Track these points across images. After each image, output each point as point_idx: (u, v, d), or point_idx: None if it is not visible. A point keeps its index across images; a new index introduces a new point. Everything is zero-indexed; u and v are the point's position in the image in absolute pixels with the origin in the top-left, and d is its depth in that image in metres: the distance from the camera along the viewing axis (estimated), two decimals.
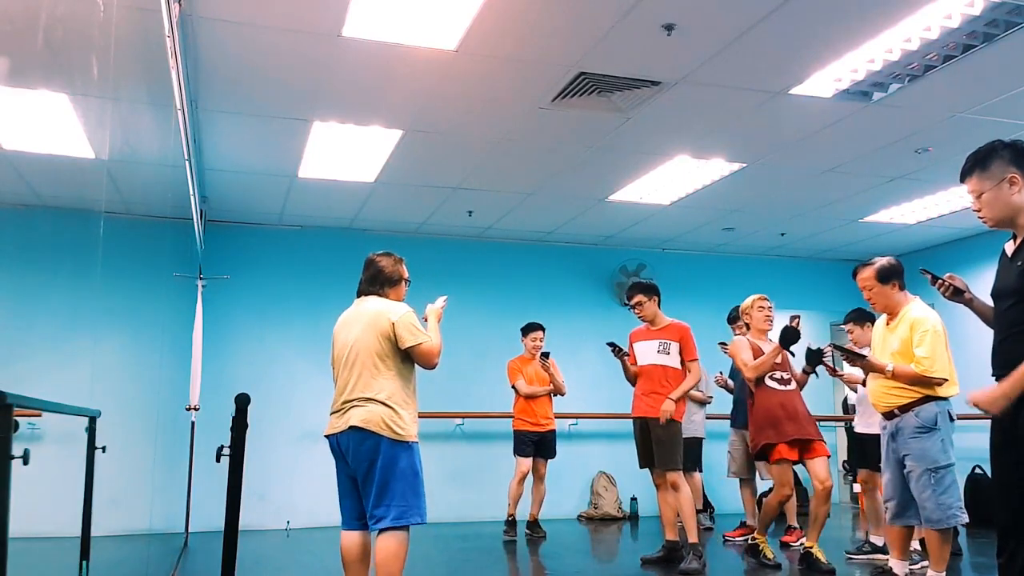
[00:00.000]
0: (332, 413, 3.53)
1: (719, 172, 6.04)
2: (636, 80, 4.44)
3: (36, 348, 6.43)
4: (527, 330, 6.59)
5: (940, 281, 2.99)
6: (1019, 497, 2.69)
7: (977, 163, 2.70)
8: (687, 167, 5.90)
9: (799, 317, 5.02)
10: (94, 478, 3.97)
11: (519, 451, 6.45)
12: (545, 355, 6.31)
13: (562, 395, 6.54)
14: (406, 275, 3.75)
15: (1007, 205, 2.63)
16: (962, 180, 2.78)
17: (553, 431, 6.50)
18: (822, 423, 8.91)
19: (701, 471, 6.85)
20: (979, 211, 2.72)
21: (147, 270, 6.48)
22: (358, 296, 3.70)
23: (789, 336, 4.88)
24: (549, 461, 6.47)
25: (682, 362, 5.17)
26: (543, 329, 6.58)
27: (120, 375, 6.46)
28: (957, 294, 2.96)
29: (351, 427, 3.37)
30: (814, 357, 4.84)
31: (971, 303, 2.97)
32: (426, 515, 3.42)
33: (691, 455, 6.49)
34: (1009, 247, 2.71)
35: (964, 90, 4.56)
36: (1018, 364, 2.54)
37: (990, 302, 2.83)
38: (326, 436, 3.52)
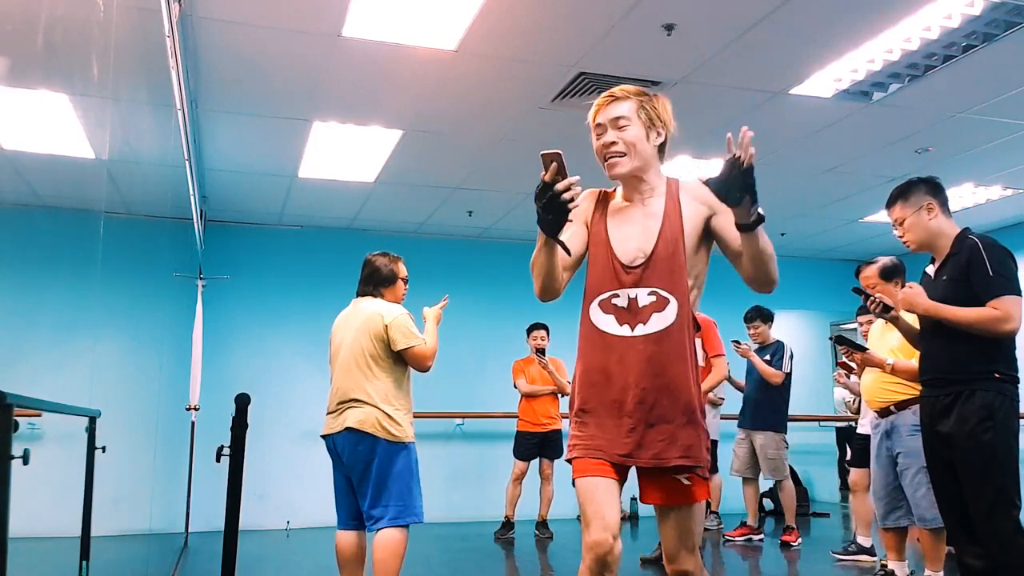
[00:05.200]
0: (328, 413, 3.55)
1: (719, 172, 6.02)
2: (636, 80, 4.44)
3: (36, 348, 6.43)
4: (529, 330, 6.55)
5: (872, 299, 3.30)
6: (960, 501, 2.85)
7: (900, 194, 3.19)
8: (687, 167, 5.90)
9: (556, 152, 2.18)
10: (94, 478, 3.97)
11: (516, 453, 6.44)
12: (540, 352, 6.28)
13: (565, 395, 6.50)
14: (403, 274, 3.71)
15: (926, 229, 3.09)
16: (887, 208, 3.21)
17: (558, 431, 6.42)
18: (821, 423, 8.96)
19: (717, 471, 6.83)
20: (902, 236, 3.14)
21: (147, 270, 6.47)
22: (356, 297, 3.70)
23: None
24: (556, 462, 6.41)
25: (705, 357, 5.04)
26: (545, 328, 6.53)
27: (120, 375, 6.45)
28: (886, 310, 3.29)
29: (347, 428, 3.39)
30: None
31: (897, 320, 3.32)
32: (423, 515, 3.45)
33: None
34: (931, 269, 3.12)
35: (964, 90, 4.56)
36: (944, 371, 2.93)
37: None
38: (322, 436, 3.54)
